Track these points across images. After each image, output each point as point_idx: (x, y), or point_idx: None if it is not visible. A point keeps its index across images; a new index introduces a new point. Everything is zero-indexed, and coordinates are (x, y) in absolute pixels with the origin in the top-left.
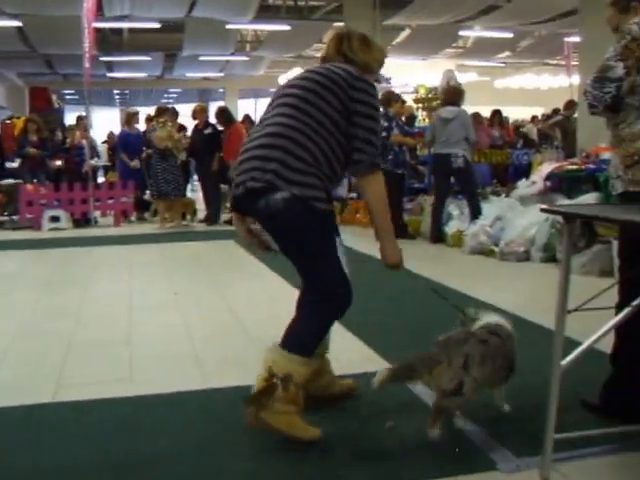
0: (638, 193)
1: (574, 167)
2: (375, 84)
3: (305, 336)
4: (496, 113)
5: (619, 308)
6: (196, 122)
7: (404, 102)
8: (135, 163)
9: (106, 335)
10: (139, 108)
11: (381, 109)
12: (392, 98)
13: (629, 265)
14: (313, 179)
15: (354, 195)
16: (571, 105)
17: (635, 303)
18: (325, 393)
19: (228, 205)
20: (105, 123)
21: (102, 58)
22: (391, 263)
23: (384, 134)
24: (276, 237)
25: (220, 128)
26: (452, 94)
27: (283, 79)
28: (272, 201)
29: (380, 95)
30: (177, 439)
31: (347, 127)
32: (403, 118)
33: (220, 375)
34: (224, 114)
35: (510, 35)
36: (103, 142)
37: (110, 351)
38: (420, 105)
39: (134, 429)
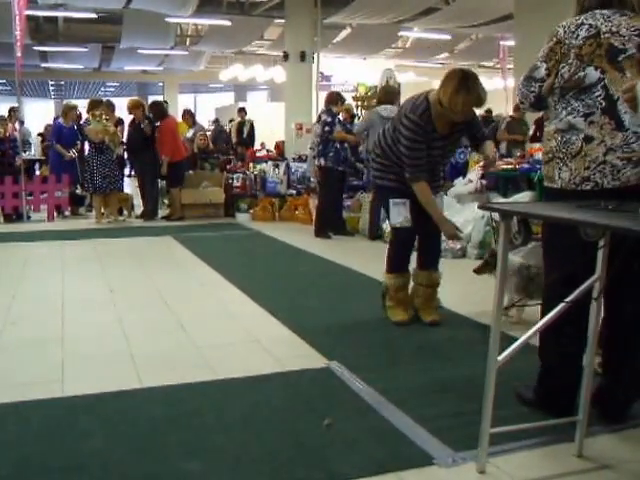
0: (550, 188)
1: (509, 167)
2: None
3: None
4: None
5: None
6: (132, 116)
7: (344, 101)
8: (72, 153)
9: (38, 334)
10: (76, 101)
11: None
12: (338, 98)
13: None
14: None
15: (293, 192)
16: (518, 107)
17: (569, 299)
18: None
19: (165, 201)
20: (38, 115)
21: (35, 47)
22: (449, 237)
23: (326, 129)
24: None
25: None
26: (390, 93)
27: (224, 75)
28: None
29: (327, 95)
30: (112, 440)
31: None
32: (341, 116)
33: (156, 374)
34: (157, 108)
35: (448, 37)
36: (39, 134)
37: (41, 351)
38: (359, 103)
39: (66, 430)
